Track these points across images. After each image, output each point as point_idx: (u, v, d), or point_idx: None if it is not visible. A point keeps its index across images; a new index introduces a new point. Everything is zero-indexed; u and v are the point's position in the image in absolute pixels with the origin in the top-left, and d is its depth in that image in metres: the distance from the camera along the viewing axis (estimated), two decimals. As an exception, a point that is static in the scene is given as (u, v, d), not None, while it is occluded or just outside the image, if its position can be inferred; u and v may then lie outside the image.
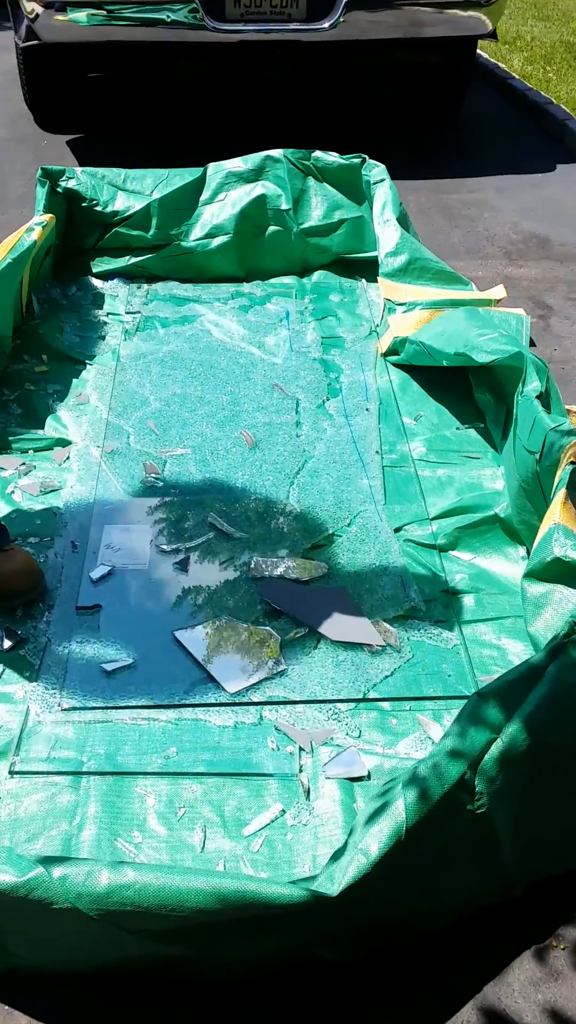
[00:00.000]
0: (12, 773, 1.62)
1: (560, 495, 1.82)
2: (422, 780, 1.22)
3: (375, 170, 3.10)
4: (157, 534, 2.13)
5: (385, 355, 2.77)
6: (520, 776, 1.29)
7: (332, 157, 3.19)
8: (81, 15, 3.85)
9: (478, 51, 4.95)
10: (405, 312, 2.76)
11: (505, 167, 4.37)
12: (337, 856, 1.25)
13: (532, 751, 1.29)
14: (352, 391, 2.64)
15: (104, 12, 3.84)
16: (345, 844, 1.25)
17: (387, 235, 2.95)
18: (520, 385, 2.09)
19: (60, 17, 3.86)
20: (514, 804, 1.27)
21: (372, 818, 1.22)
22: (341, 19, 3.93)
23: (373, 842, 1.20)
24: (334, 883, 1.19)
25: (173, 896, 1.16)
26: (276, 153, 3.20)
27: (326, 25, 3.95)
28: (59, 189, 3.13)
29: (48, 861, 1.18)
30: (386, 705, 1.74)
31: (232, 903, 1.15)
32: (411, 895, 1.26)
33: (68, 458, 2.38)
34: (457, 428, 2.49)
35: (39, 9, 3.84)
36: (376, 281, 3.04)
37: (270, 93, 5.18)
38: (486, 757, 1.25)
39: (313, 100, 5.17)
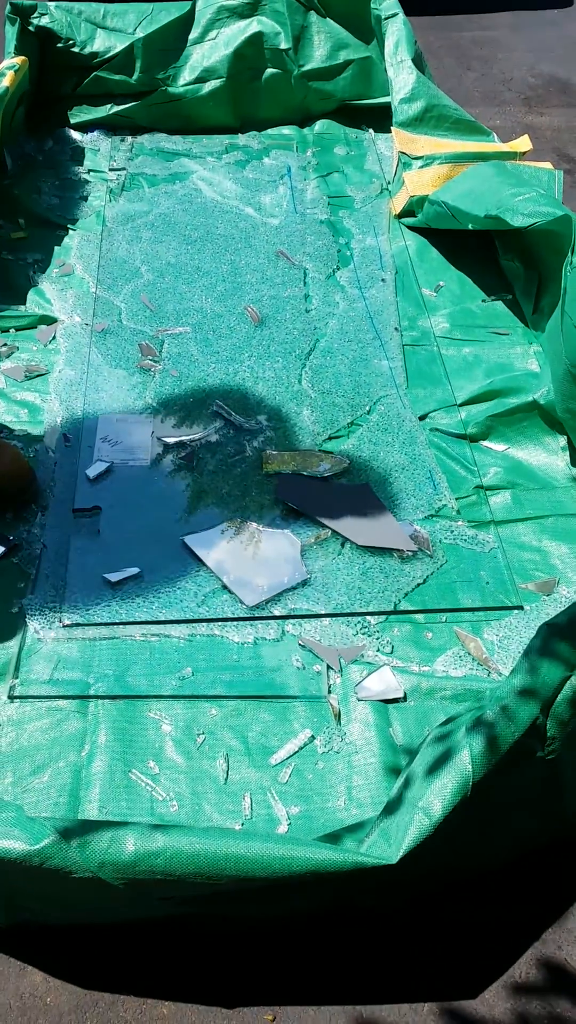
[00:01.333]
0: (12, 698, 1.47)
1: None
2: (489, 726, 1.08)
3: (386, 3, 2.75)
4: (158, 425, 1.92)
5: (399, 217, 2.51)
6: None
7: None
8: None
9: None
10: (422, 167, 2.48)
11: (520, 1, 3.97)
12: (391, 810, 1.11)
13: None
14: (365, 258, 2.39)
15: None
16: (400, 797, 1.11)
17: (401, 78, 2.63)
18: (570, 254, 1.85)
19: None
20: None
21: (434, 770, 1.08)
22: None
23: (436, 800, 1.06)
24: (391, 844, 1.05)
25: (209, 863, 1.02)
26: (274, -19, 2.84)
27: None
28: (31, 27, 2.77)
29: (65, 828, 1.04)
30: (420, 617, 1.59)
31: (276, 871, 1.01)
32: (470, 844, 1.14)
33: (54, 338, 2.15)
34: (483, 300, 2.27)
35: None
36: (386, 132, 2.75)
37: None
38: (559, 698, 1.10)
39: None
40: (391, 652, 1.54)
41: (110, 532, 1.71)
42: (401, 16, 2.71)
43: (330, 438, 1.90)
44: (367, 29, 2.82)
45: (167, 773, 1.38)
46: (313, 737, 1.42)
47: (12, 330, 2.17)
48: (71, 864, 1.02)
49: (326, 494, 1.77)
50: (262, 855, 1.02)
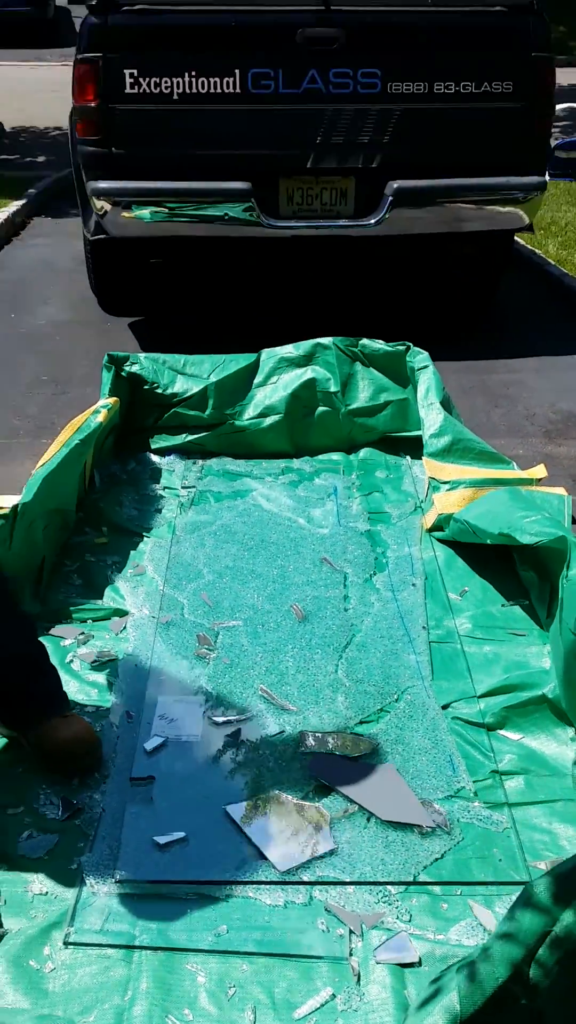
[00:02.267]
0: (67, 944, 1.64)
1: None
2: (476, 969, 1.23)
3: (419, 357, 3.30)
4: (209, 706, 2.19)
5: (430, 531, 2.88)
6: (576, 970, 1.29)
7: (378, 344, 3.39)
8: (145, 212, 4.20)
9: (515, 238, 5.27)
10: (449, 490, 2.88)
11: (543, 348, 4.59)
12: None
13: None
14: (398, 565, 2.73)
15: (167, 209, 4.19)
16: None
17: (431, 418, 3.10)
18: (565, 568, 2.17)
19: (126, 214, 4.20)
20: (572, 1000, 1.26)
21: (424, 1006, 1.22)
22: (386, 216, 4.24)
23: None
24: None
25: None
26: (325, 340, 3.42)
27: (372, 222, 4.27)
28: (123, 373, 3.35)
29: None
30: (437, 889, 1.75)
31: None
32: None
33: (125, 628, 2.47)
34: (503, 605, 2.56)
35: (108, 206, 4.19)
36: (420, 459, 3.18)
37: (320, 282, 5.52)
38: (541, 949, 1.26)
39: (359, 287, 5.49)
40: (409, 920, 1.69)
41: (162, 799, 1.93)
42: (431, 368, 3.24)
43: (361, 722, 2.14)
44: (404, 377, 3.35)
45: (200, 1021, 1.51)
46: (334, 995, 1.56)
47: (89, 620, 2.51)
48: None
49: (355, 772, 1.98)
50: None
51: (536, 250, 6.03)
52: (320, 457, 3.35)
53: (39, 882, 1.78)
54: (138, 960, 1.61)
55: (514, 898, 1.63)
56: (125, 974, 1.58)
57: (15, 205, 6.80)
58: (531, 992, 1.26)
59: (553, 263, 5.72)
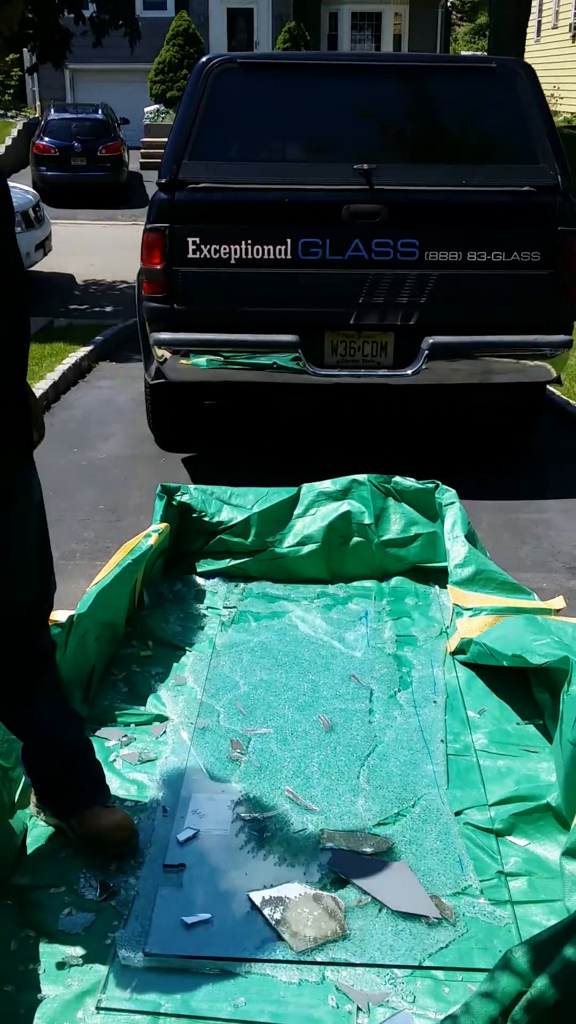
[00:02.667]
0: (99, 1009, 1.81)
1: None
2: (458, 1022, 1.38)
3: (446, 494, 3.57)
4: (239, 803, 2.37)
5: (453, 653, 3.07)
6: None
7: (409, 482, 3.67)
8: (202, 360, 4.60)
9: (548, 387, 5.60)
10: (471, 616, 3.09)
11: (571, 490, 4.84)
12: None
13: (560, 1008, 1.44)
14: (422, 684, 2.93)
15: (221, 358, 4.59)
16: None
17: (456, 549, 3.34)
18: (566, 684, 2.36)
19: (184, 362, 4.61)
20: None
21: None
22: (423, 367, 4.60)
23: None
24: None
25: None
26: (361, 477, 3.71)
27: (409, 372, 4.63)
28: (174, 502, 3.66)
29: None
30: (440, 974, 1.89)
31: None
32: None
33: (164, 732, 2.68)
34: (518, 723, 2.73)
35: (168, 355, 4.60)
36: (447, 587, 3.41)
37: (359, 422, 5.88)
38: (515, 1009, 1.41)
39: (396, 430, 5.84)
40: (413, 1001, 1.82)
41: (191, 885, 2.11)
42: (457, 504, 3.50)
43: (379, 823, 2.31)
44: (432, 512, 3.61)
45: None
46: (340, 1065, 1.69)
47: (132, 724, 2.72)
48: None
49: (370, 867, 2.14)
50: None
51: (571, 400, 6.36)
52: (354, 584, 3.59)
53: (76, 954, 1.95)
54: (162, 1026, 1.77)
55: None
56: (151, 1036, 1.74)
57: (83, 350, 7.34)
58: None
59: (584, 412, 6.03)
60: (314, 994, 1.84)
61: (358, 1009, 1.80)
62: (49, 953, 1.96)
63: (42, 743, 2.23)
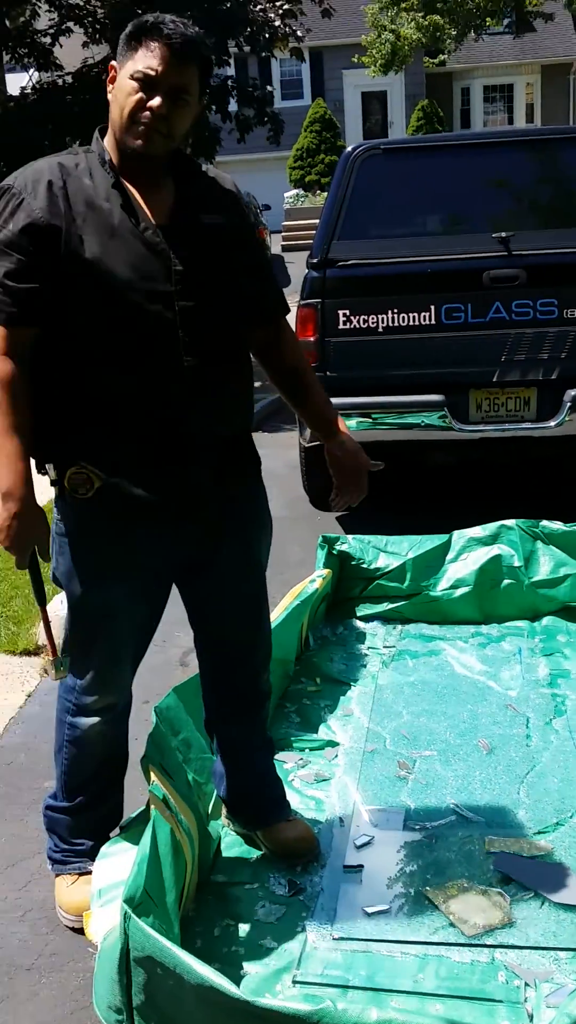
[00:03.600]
0: (295, 982, 2.06)
1: None
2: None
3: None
4: (408, 814, 2.60)
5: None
6: None
7: (556, 525, 3.86)
8: (352, 422, 4.93)
9: None
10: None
11: None
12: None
13: None
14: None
15: (371, 419, 4.91)
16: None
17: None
18: None
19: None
20: None
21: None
22: (566, 419, 4.79)
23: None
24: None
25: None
26: (510, 522, 3.92)
27: (553, 424, 4.82)
28: (334, 551, 3.96)
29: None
30: (600, 955, 2.06)
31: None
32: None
33: (336, 756, 2.94)
34: None
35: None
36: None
37: (504, 476, 6.08)
38: None
39: (540, 478, 6.00)
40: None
41: (369, 882, 2.35)
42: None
43: (538, 832, 2.49)
44: (580, 555, 3.79)
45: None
46: (512, 1031, 1.89)
47: (307, 749, 3.00)
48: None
49: (531, 866, 2.34)
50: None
51: None
52: (506, 624, 3.79)
53: (271, 939, 2.22)
54: (351, 997, 2.00)
55: None
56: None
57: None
58: None
59: None
60: (485, 972, 2.05)
61: (525, 984, 2.00)
62: (248, 938, 2.23)
63: (240, 762, 2.50)
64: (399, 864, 2.41)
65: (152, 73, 1.95)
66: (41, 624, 2.40)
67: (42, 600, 2.25)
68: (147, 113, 1.97)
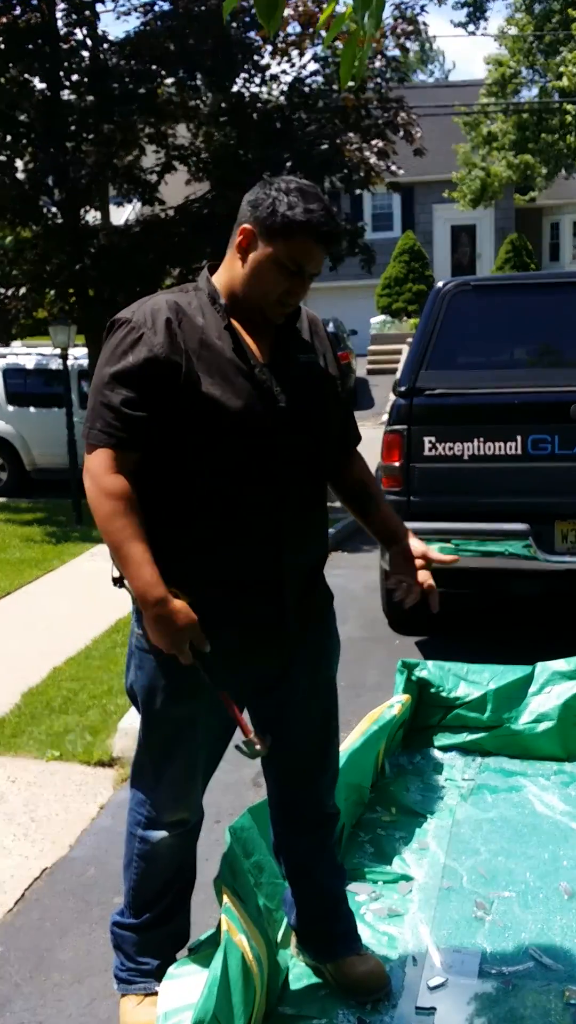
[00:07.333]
0: None
1: None
2: None
3: None
4: (485, 958, 2.51)
5: None
6: None
7: None
8: (435, 547, 4.94)
9: None
10: None
11: None
12: None
13: None
14: None
15: (454, 546, 4.92)
16: None
17: None
18: None
19: (419, 549, 4.96)
20: None
21: None
22: None
23: None
24: None
25: None
26: (595, 655, 3.86)
27: None
28: (413, 677, 3.93)
29: None
30: None
31: None
32: None
33: (411, 891, 2.87)
34: None
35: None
36: None
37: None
38: None
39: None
40: None
41: (442, 1028, 2.26)
42: None
43: (623, 986, 2.38)
44: None
45: None
46: None
47: (380, 882, 2.93)
48: None
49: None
50: None
51: None
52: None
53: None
54: None
55: None
56: None
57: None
58: None
59: None
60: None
61: None
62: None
63: (309, 889, 2.47)
64: (473, 1010, 2.32)
65: (304, 266, 2.11)
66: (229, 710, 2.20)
67: (219, 684, 2.16)
68: (294, 299, 2.14)
